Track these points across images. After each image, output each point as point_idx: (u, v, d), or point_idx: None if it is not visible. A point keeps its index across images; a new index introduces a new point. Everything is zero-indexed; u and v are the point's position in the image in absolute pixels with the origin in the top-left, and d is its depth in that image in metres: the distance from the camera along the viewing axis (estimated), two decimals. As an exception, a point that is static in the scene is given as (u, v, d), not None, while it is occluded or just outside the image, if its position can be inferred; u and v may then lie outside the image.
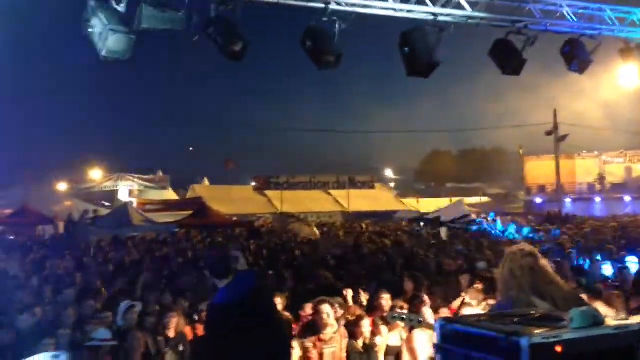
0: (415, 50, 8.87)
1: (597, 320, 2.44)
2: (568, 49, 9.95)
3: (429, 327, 4.89)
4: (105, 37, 7.32)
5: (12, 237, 22.01)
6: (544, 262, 3.42)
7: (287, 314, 6.50)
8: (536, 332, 2.29)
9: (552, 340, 2.26)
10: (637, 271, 8.79)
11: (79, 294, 8.45)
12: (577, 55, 9.88)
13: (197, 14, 7.65)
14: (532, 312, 2.74)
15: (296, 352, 5.79)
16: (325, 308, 6.07)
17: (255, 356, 4.05)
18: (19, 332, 6.32)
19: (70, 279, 10.39)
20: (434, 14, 8.88)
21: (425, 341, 6.29)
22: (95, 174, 38.04)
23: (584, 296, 4.52)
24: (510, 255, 3.46)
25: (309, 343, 5.88)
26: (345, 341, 6.10)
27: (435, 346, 2.75)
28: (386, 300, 6.99)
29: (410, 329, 6.13)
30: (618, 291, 6.87)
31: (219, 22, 7.57)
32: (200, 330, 6.80)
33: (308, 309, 6.57)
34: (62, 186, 36.90)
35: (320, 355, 5.93)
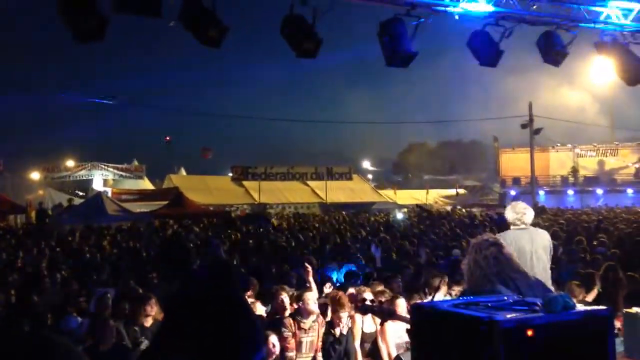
0: (394, 40, 8.87)
1: (567, 305, 2.47)
2: (544, 41, 10.03)
3: (401, 319, 4.89)
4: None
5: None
6: (507, 251, 3.44)
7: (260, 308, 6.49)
8: (508, 316, 2.31)
9: (523, 324, 2.29)
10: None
11: (50, 283, 8.34)
12: (552, 48, 9.97)
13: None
14: (505, 298, 2.77)
15: (275, 341, 5.78)
16: (310, 296, 6.08)
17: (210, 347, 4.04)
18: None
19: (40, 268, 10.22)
20: (412, 4, 8.89)
21: (398, 330, 6.35)
22: (69, 163, 37.45)
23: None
24: (474, 245, 3.45)
25: (288, 332, 5.89)
26: (322, 330, 6.12)
27: (409, 331, 2.76)
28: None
29: (382, 322, 6.17)
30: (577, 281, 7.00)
31: (194, 7, 7.45)
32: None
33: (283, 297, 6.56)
34: (35, 175, 36.27)
35: (299, 344, 5.94)
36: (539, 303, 2.48)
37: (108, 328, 5.41)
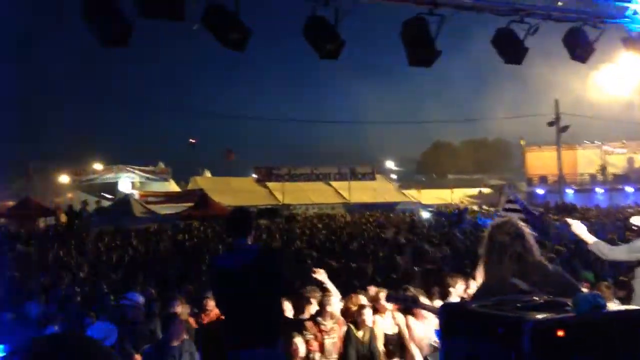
0: (417, 39, 8.80)
1: (598, 305, 2.43)
2: (570, 37, 9.87)
3: (424, 307, 4.85)
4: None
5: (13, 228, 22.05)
6: (530, 243, 3.23)
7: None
8: (538, 316, 2.28)
9: (554, 324, 2.25)
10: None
11: (81, 284, 8.48)
12: (579, 44, 9.79)
13: (195, 1, 7.55)
14: (535, 298, 2.73)
15: (300, 344, 5.79)
16: (331, 300, 6.07)
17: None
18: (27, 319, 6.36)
19: (73, 269, 10.40)
20: (435, 2, 8.82)
21: (425, 330, 6.30)
22: (97, 166, 38.12)
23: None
24: (497, 240, 3.23)
25: (310, 335, 5.90)
26: (343, 329, 6.11)
27: (438, 332, 2.74)
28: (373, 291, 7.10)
29: (405, 310, 6.14)
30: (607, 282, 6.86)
31: (217, 10, 7.49)
32: (202, 319, 6.84)
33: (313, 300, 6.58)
34: (64, 178, 36.95)
35: (321, 345, 5.95)
36: (569, 303, 2.45)
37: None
